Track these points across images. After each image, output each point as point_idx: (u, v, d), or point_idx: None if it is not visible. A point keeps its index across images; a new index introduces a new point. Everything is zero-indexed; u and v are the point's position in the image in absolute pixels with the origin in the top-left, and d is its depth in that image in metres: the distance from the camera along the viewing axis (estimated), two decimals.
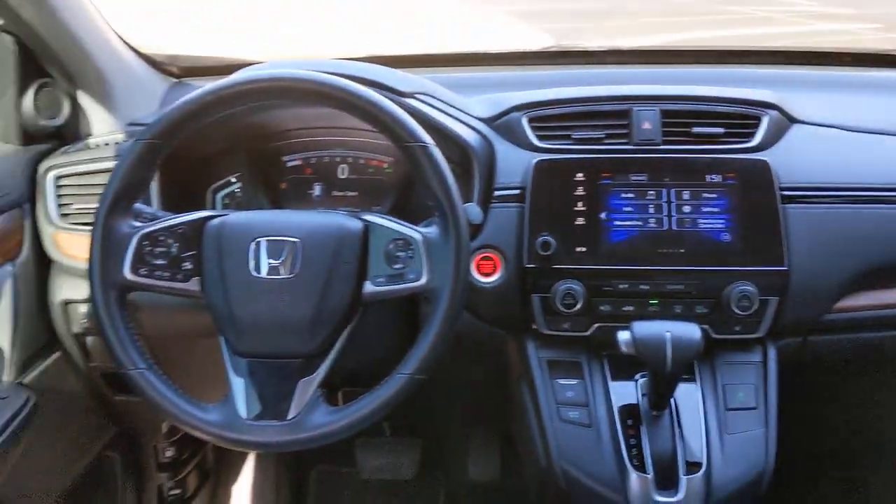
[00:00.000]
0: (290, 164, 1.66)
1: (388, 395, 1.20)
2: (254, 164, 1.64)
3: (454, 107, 1.55)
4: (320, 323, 1.23)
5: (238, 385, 1.22)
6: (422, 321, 1.49)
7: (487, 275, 1.46)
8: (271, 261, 1.23)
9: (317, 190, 1.66)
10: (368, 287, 1.25)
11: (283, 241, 1.24)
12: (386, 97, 1.26)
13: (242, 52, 2.05)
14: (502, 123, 1.53)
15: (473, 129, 1.52)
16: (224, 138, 1.60)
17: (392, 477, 2.22)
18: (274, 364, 1.23)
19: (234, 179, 1.64)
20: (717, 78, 1.71)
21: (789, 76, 1.84)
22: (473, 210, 1.38)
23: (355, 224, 1.26)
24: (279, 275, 1.23)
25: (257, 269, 1.23)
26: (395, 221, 1.27)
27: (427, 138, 1.24)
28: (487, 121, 1.54)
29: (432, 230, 1.25)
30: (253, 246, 1.23)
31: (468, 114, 1.55)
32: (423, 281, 1.23)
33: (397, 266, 1.24)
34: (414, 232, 1.25)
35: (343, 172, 1.66)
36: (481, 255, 1.46)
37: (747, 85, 1.62)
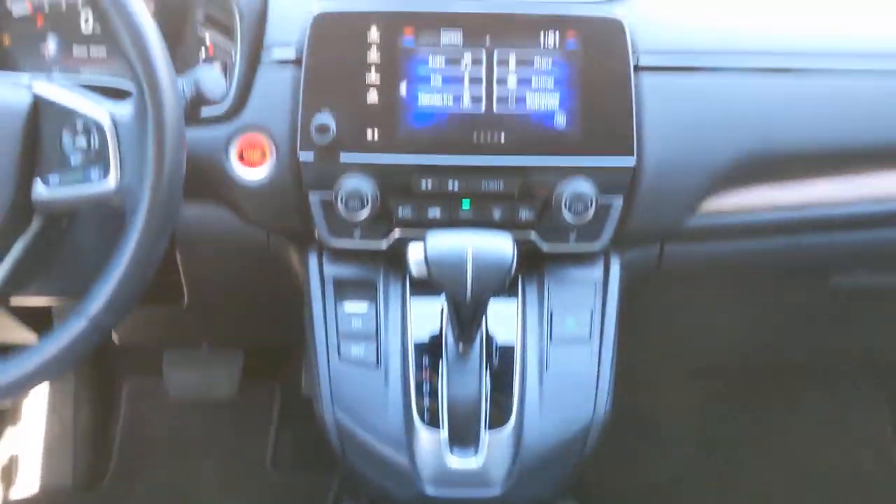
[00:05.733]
0: (15, 10, 1.25)
1: (61, 349, 0.90)
2: None
3: None
4: None
5: None
6: None
7: (253, 166, 1.10)
8: None
9: (52, 46, 1.25)
10: (41, 190, 0.90)
11: None
12: None
13: None
14: None
15: None
16: None
17: (208, 395, 1.90)
18: None
19: None
20: None
21: None
22: (209, 77, 1.00)
23: (19, 97, 0.90)
24: None
25: None
26: (81, 93, 0.91)
27: None
28: None
29: (125, 108, 0.90)
30: None
31: None
32: (109, 183, 0.88)
33: (76, 160, 0.89)
34: (100, 110, 0.89)
35: (88, 23, 1.26)
36: (245, 140, 1.10)
37: None
